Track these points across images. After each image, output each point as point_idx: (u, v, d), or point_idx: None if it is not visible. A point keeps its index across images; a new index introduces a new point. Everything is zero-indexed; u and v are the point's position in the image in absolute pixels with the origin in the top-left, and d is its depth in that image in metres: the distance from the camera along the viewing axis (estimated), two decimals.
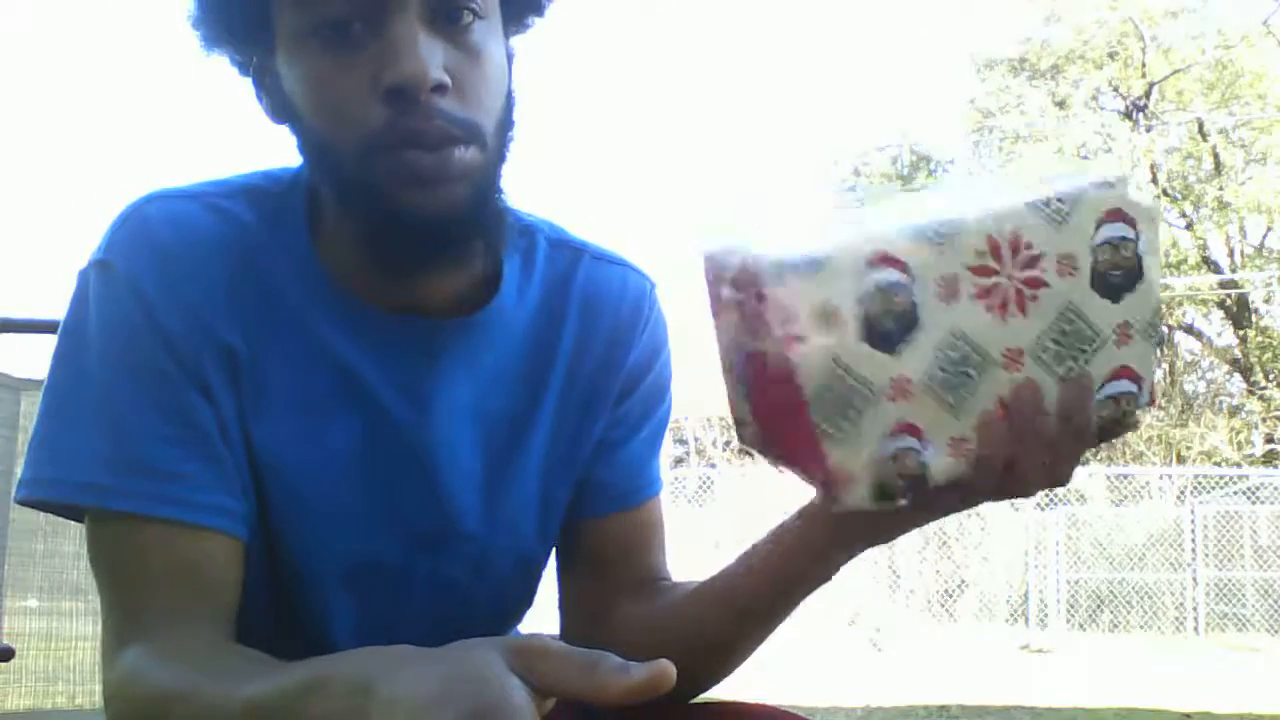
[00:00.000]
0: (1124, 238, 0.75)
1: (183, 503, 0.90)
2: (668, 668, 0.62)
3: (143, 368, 0.90)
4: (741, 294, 0.70)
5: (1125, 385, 0.77)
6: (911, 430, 0.72)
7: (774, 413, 0.73)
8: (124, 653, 0.88)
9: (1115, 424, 0.78)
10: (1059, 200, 0.74)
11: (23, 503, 0.94)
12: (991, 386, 0.73)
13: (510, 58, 0.97)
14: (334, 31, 0.87)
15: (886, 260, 0.70)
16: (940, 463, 0.74)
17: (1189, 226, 21.30)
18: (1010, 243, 0.72)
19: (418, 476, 0.99)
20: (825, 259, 0.69)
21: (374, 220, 0.90)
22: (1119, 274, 0.75)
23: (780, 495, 14.18)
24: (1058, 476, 0.79)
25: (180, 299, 0.91)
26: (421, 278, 0.96)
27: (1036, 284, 0.73)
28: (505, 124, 0.94)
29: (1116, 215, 0.75)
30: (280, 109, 0.94)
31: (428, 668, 0.65)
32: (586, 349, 1.06)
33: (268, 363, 0.95)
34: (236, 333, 0.93)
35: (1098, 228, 0.74)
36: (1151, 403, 0.79)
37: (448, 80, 0.87)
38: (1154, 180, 21.13)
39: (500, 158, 0.93)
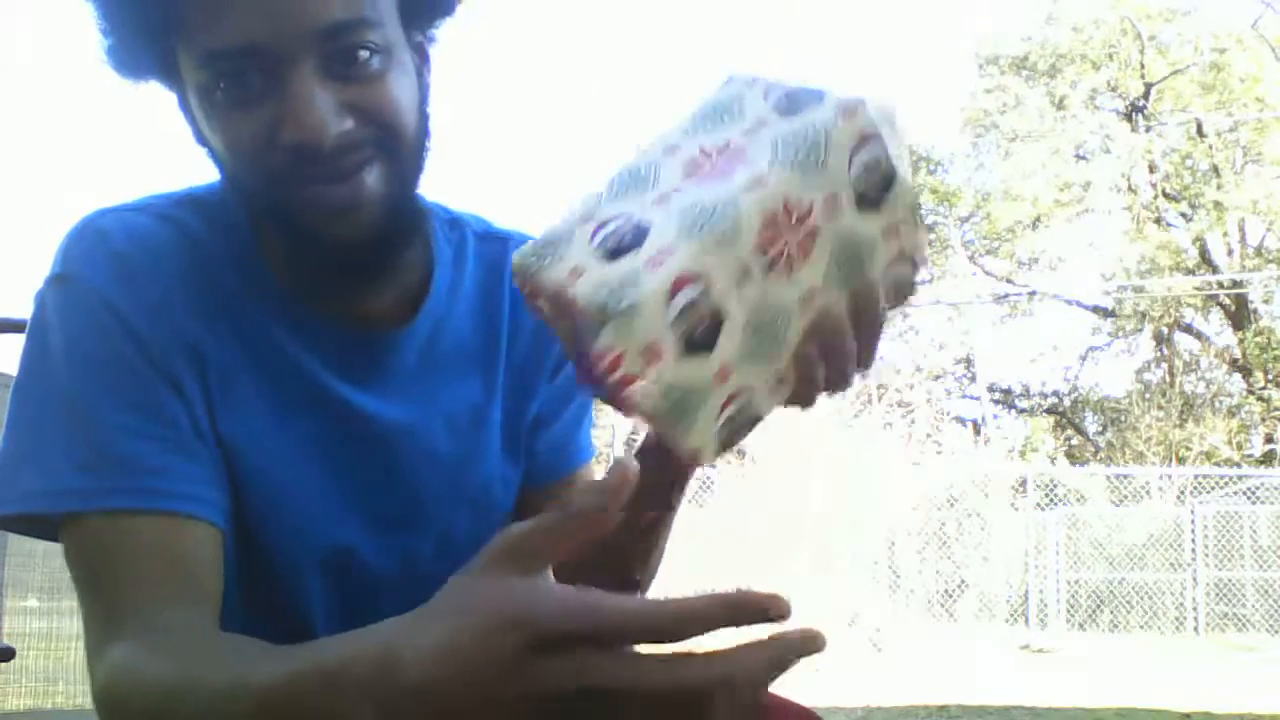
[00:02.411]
0: (875, 159, 0.80)
1: (166, 494, 0.91)
2: (629, 466, 0.64)
3: (115, 369, 0.91)
4: (572, 338, 0.74)
5: (901, 270, 0.85)
6: (739, 394, 0.79)
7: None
8: (112, 649, 0.86)
9: (897, 300, 0.87)
10: (810, 145, 0.78)
11: None
12: (797, 327, 0.80)
13: (423, 63, 0.99)
14: (235, 85, 0.88)
15: (683, 281, 0.73)
16: (768, 403, 0.82)
17: (1188, 226, 21.30)
18: (784, 212, 0.76)
19: (382, 464, 1.02)
20: (632, 306, 0.71)
21: (296, 247, 0.94)
22: (875, 188, 0.80)
23: (780, 495, 14.19)
24: (865, 362, 0.86)
25: (145, 301, 0.93)
26: (357, 291, 0.99)
27: (812, 234, 0.78)
28: (419, 136, 0.96)
29: (864, 140, 0.79)
30: (200, 136, 0.96)
31: (442, 623, 0.64)
32: (520, 329, 1.10)
33: (230, 361, 0.97)
34: (200, 332, 0.95)
35: (851, 159, 0.79)
36: (924, 265, 0.88)
37: (349, 125, 0.89)
38: (1152, 181, 21.14)
39: (415, 169, 0.96)
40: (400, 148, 0.93)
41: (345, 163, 0.90)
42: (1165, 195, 21.30)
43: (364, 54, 0.90)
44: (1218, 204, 19.93)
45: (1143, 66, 21.03)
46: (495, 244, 1.12)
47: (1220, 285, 20.86)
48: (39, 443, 0.92)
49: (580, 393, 1.16)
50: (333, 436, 1.00)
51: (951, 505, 14.39)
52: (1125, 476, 15.34)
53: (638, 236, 0.74)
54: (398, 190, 0.94)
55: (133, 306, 0.92)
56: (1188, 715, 6.67)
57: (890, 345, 23.34)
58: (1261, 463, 19.07)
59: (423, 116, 0.96)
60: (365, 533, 1.02)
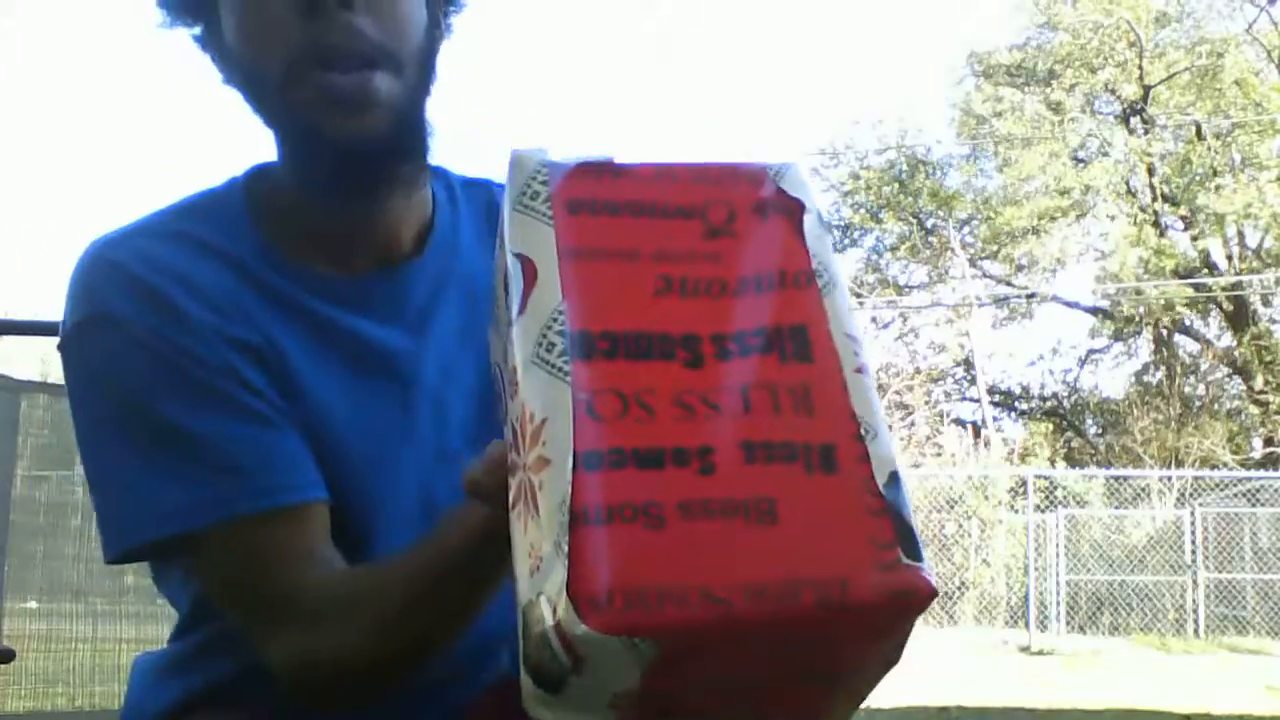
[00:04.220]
0: None
1: (277, 490, 0.95)
2: None
3: (189, 389, 0.95)
4: None
5: None
6: None
7: None
8: (283, 633, 0.92)
9: None
10: None
11: (118, 559, 0.98)
12: None
13: (441, 25, 1.06)
14: None
15: None
16: None
17: (1186, 229, 21.30)
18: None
19: (425, 404, 1.05)
20: None
21: (306, 150, 0.98)
22: None
23: None
24: None
25: (187, 321, 0.96)
26: (370, 221, 1.03)
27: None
28: (425, 55, 1.00)
29: None
30: (226, 64, 1.01)
31: None
32: None
33: (279, 347, 1.00)
34: (244, 331, 0.98)
35: None
36: None
37: None
38: (1150, 184, 21.15)
39: (421, 88, 1.00)
40: (402, 62, 0.97)
41: (346, 46, 0.94)
42: (1164, 198, 21.30)
43: None
44: (1216, 206, 19.90)
45: (1140, 70, 21.03)
46: (479, 190, 1.15)
47: (1220, 287, 20.86)
48: (136, 476, 0.95)
49: None
50: (386, 391, 1.03)
51: (951, 507, 14.39)
52: (1125, 479, 15.34)
53: None
54: (403, 105, 0.97)
55: (178, 329, 0.95)
56: (1188, 716, 6.67)
57: (890, 347, 23.38)
58: (1260, 466, 19.05)
59: (427, 53, 1.01)
60: (414, 473, 1.03)
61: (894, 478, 0.60)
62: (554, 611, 0.53)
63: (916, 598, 0.57)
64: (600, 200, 0.64)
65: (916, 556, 0.58)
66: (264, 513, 0.93)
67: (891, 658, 0.60)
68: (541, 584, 0.55)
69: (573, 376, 0.58)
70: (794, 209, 0.66)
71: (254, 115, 1.00)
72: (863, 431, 0.60)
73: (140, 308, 0.95)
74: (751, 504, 0.56)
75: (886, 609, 0.57)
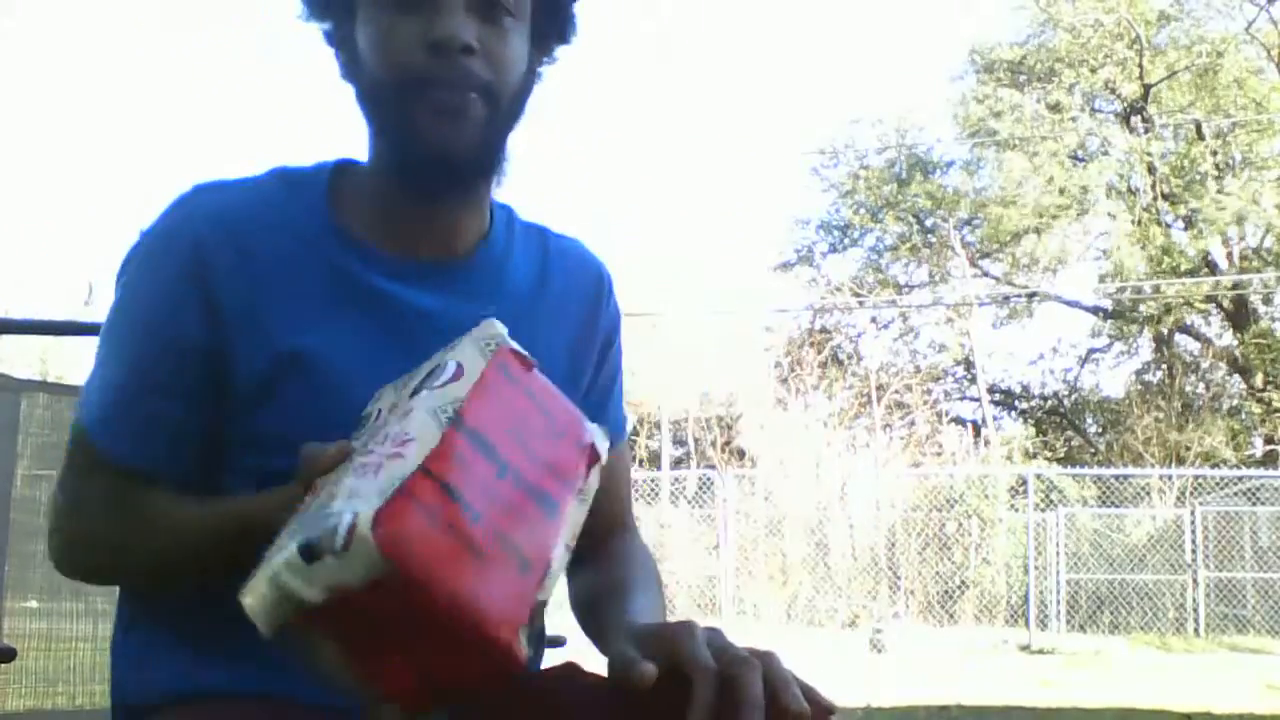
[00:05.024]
0: None
1: (126, 439, 1.12)
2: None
3: (147, 337, 1.12)
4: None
5: None
6: None
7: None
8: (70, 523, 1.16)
9: None
10: None
11: None
12: None
13: (536, 71, 1.21)
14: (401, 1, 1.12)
15: None
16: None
17: (1187, 228, 21.31)
18: None
19: None
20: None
21: (405, 148, 1.13)
22: None
23: (780, 496, 14.18)
24: None
25: (205, 283, 1.11)
26: (436, 216, 1.18)
27: None
28: (516, 100, 1.17)
29: None
30: (350, 66, 1.17)
31: None
32: (570, 298, 1.29)
33: (305, 294, 1.13)
34: (262, 296, 1.12)
35: None
36: None
37: (475, 45, 1.11)
38: (1151, 183, 21.15)
39: (508, 122, 1.17)
40: (499, 98, 1.13)
41: (457, 76, 1.10)
42: (1164, 197, 21.30)
43: (501, 12, 1.14)
44: (1216, 205, 19.90)
45: (1140, 69, 21.03)
46: (534, 231, 1.30)
47: (1219, 286, 20.86)
48: (93, 378, 1.16)
49: (619, 377, 1.35)
50: (417, 345, 1.11)
51: (951, 506, 14.41)
52: (1125, 478, 15.35)
53: None
54: (490, 122, 1.13)
55: (186, 286, 1.11)
56: (1188, 715, 6.69)
57: (890, 347, 23.38)
58: (1261, 464, 19.05)
59: (522, 93, 1.18)
60: None
61: (543, 602, 0.94)
62: (355, 516, 0.82)
63: (513, 661, 0.88)
64: (514, 374, 1.02)
65: (529, 643, 0.90)
66: (110, 455, 1.12)
67: (481, 679, 0.91)
68: (355, 505, 0.83)
69: (445, 431, 0.91)
70: (595, 455, 1.04)
71: (359, 110, 1.17)
72: (549, 568, 0.94)
73: (174, 250, 1.12)
74: (487, 553, 0.88)
75: (498, 652, 0.88)
